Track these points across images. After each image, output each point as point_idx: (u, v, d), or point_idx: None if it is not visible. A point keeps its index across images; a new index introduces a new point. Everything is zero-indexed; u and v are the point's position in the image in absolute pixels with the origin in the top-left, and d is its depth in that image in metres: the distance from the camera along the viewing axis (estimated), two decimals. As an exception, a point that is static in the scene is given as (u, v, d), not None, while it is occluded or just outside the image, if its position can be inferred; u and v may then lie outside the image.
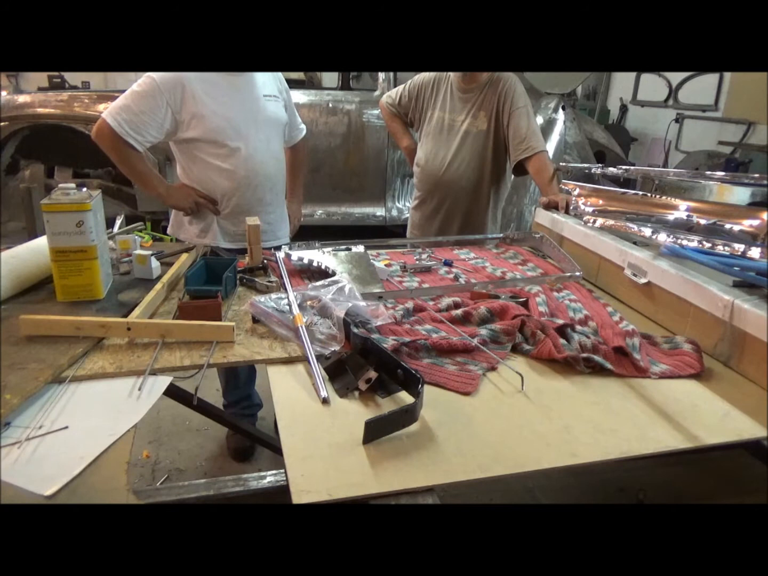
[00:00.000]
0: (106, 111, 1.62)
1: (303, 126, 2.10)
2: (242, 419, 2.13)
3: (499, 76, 2.01)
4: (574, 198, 1.74)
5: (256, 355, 1.06)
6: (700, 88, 6.26)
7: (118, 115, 1.61)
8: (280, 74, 1.94)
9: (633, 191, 1.78)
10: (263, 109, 1.80)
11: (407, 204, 4.35)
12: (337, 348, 1.05)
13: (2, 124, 4.01)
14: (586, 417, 0.93)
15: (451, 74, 2.09)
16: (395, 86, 2.76)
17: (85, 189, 1.22)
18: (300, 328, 1.08)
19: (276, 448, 1.89)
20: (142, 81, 1.63)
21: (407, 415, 0.86)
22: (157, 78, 1.61)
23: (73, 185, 1.21)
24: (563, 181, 1.88)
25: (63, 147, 4.24)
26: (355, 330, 1.06)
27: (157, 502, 1.58)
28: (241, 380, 2.12)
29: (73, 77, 5.40)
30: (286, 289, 1.24)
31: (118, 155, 1.67)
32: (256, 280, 1.39)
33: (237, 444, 2.21)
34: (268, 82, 1.84)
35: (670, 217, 1.51)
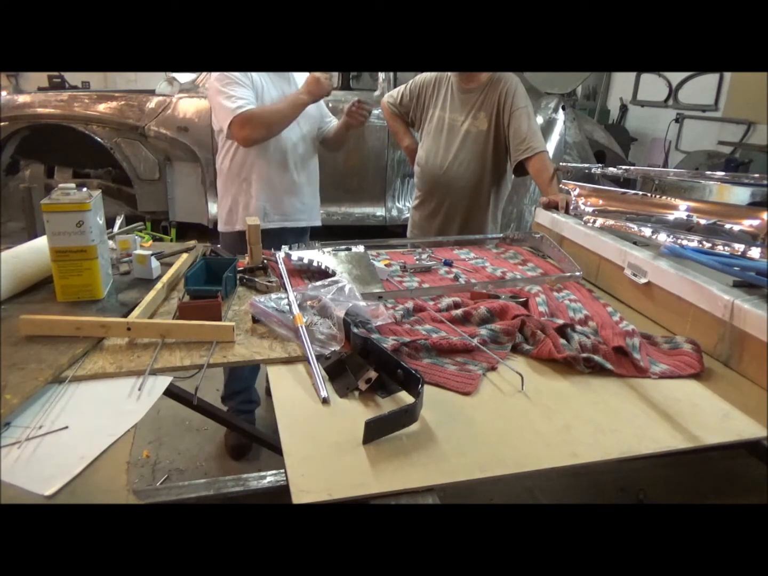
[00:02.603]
0: (226, 115, 1.79)
1: (332, 118, 2.26)
2: (239, 415, 2.16)
3: (500, 77, 2.01)
4: (574, 198, 1.73)
5: (256, 355, 1.06)
6: (700, 88, 6.26)
7: (232, 105, 1.79)
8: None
9: (633, 191, 1.78)
10: None
11: (407, 204, 4.35)
12: (337, 348, 1.05)
13: (2, 124, 4.02)
14: (586, 417, 0.93)
15: (452, 74, 2.09)
16: (395, 86, 2.77)
17: (85, 189, 1.22)
18: (300, 328, 1.08)
19: (276, 448, 1.89)
20: (224, 77, 1.82)
21: (407, 415, 0.86)
22: (235, 72, 1.83)
23: (73, 185, 1.21)
24: (563, 181, 1.88)
25: (63, 147, 4.25)
26: (355, 330, 1.06)
27: (157, 502, 1.58)
28: (244, 371, 2.16)
29: (73, 77, 5.40)
30: (286, 289, 1.24)
31: (262, 126, 1.83)
32: (256, 280, 1.39)
33: (234, 441, 2.22)
34: (301, 78, 2.03)
35: (670, 217, 1.51)
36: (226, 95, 1.81)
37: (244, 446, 2.22)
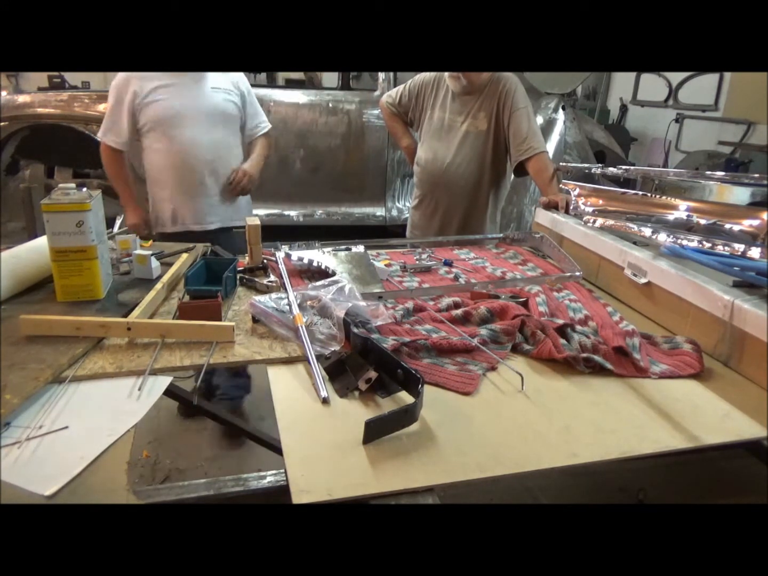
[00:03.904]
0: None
1: (266, 124, 2.21)
2: (227, 400, 2.30)
3: (500, 77, 2.01)
4: (574, 198, 1.74)
5: (256, 355, 1.06)
6: (700, 88, 6.26)
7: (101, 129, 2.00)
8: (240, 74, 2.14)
9: (633, 191, 1.78)
10: (208, 99, 1.98)
11: (407, 204, 4.35)
12: (337, 348, 1.05)
13: (2, 124, 4.01)
14: (586, 417, 0.93)
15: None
16: (395, 86, 2.77)
17: (85, 189, 1.22)
18: (300, 328, 1.08)
19: (276, 448, 1.90)
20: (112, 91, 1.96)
21: (407, 415, 0.86)
22: (114, 81, 1.95)
23: (73, 185, 1.21)
24: (563, 181, 1.88)
25: (63, 147, 4.23)
26: (355, 330, 1.06)
27: (157, 502, 1.58)
28: None
29: (73, 77, 5.39)
30: (286, 289, 1.24)
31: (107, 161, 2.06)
32: (256, 280, 1.39)
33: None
34: (218, 76, 2.02)
35: (670, 217, 1.51)
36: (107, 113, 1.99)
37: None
